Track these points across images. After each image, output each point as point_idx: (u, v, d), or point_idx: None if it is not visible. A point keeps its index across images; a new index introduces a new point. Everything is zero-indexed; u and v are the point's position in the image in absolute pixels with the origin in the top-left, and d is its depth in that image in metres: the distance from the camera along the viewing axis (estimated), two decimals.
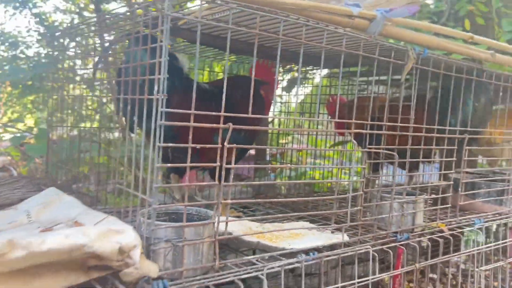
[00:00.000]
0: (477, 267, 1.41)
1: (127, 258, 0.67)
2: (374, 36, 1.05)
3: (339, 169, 1.20)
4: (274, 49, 1.33)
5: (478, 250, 1.40)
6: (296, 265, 0.96)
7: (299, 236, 1.11)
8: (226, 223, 0.87)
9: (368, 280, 1.09)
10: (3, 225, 0.89)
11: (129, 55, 1.01)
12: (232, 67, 1.73)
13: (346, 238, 1.09)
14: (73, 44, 1.28)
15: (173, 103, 0.85)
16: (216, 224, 0.85)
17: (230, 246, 1.03)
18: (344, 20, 1.00)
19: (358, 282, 1.06)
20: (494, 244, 1.47)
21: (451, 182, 1.36)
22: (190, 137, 0.80)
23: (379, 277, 1.11)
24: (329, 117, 1.76)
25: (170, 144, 0.79)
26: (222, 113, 0.85)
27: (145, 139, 1.22)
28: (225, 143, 0.84)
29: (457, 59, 1.30)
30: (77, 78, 1.35)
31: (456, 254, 1.34)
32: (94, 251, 0.63)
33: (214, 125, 0.84)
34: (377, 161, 1.18)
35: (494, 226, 1.56)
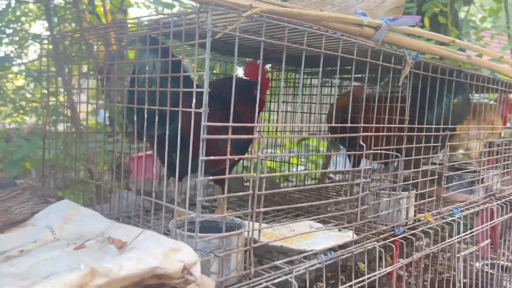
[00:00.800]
0: (457, 254, 1.53)
1: (187, 275, 0.68)
2: (379, 44, 1.11)
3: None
4: (277, 52, 1.36)
5: (458, 238, 1.52)
6: (318, 265, 1.01)
7: (311, 236, 1.16)
8: (259, 231, 0.89)
9: (376, 275, 1.16)
10: (28, 244, 0.85)
11: (143, 64, 0.99)
12: (221, 67, 1.73)
13: (354, 236, 1.15)
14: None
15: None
16: (251, 232, 0.87)
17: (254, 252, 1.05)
18: (355, 28, 1.05)
19: (369, 278, 1.13)
20: (469, 231, 1.60)
21: (436, 176, 1.46)
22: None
23: (386, 270, 1.18)
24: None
25: (212, 157, 0.79)
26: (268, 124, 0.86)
27: (148, 145, 1.20)
28: (259, 153, 0.85)
29: (438, 61, 1.38)
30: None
31: (445, 242, 1.45)
32: (164, 272, 0.63)
33: (250, 136, 0.86)
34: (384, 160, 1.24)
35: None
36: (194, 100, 0.79)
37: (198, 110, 0.77)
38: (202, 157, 0.78)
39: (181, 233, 0.84)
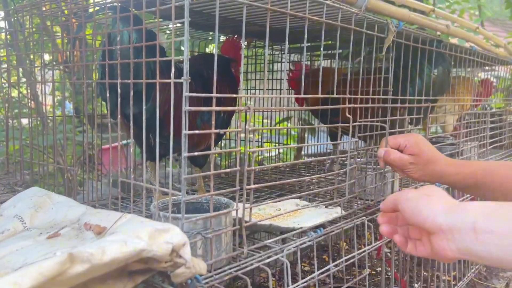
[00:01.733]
0: None
1: (176, 258, 0.62)
2: (362, 10, 1.06)
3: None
4: (254, 25, 1.30)
5: None
6: (308, 243, 0.97)
7: (298, 214, 1.11)
8: (250, 209, 0.83)
9: (365, 251, 1.13)
10: None
11: (114, 35, 0.91)
12: (193, 44, 1.65)
13: (343, 211, 1.11)
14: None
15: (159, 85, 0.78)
16: (242, 211, 0.82)
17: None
18: None
19: (359, 253, 1.10)
20: None
21: None
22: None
23: (375, 246, 1.16)
24: (290, 89, 1.76)
25: (196, 131, 0.73)
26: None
27: (123, 125, 1.13)
28: (247, 127, 0.80)
29: (416, 30, 1.35)
30: None
31: None
32: (152, 255, 0.57)
33: (236, 108, 0.80)
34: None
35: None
36: (173, 70, 0.73)
37: (178, 80, 0.71)
38: (185, 131, 0.71)
39: (165, 215, 0.78)
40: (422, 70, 1.43)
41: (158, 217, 0.80)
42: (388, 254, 1.98)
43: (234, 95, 1.30)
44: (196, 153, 0.73)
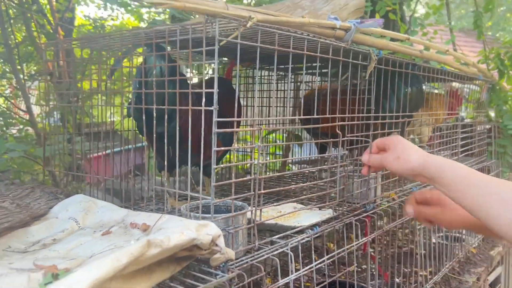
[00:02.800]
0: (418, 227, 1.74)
1: (213, 246, 0.81)
2: (349, 43, 1.27)
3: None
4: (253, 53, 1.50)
5: None
6: (306, 239, 1.16)
7: (296, 216, 1.31)
8: (261, 210, 1.03)
9: (354, 245, 1.33)
10: (58, 234, 0.95)
11: (151, 68, 1.10)
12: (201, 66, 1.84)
13: (334, 213, 1.32)
14: None
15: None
16: (254, 212, 1.01)
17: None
18: (329, 31, 1.20)
19: (347, 248, 1.30)
20: None
21: None
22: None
23: (363, 241, 1.36)
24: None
25: (223, 148, 0.92)
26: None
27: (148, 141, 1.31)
28: (258, 143, 0.99)
29: (394, 56, 1.57)
30: None
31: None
32: (200, 243, 0.76)
33: (250, 129, 0.99)
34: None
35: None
36: (203, 99, 0.92)
37: (209, 108, 0.90)
38: (214, 148, 0.90)
39: (195, 215, 0.96)
40: (399, 89, 1.65)
41: (189, 217, 0.99)
42: (372, 253, 2.18)
43: (248, 119, 1.49)
44: (221, 165, 0.92)
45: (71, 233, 0.96)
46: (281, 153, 2.88)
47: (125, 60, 1.25)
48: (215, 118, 0.90)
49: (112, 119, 1.49)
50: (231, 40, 0.91)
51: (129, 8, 5.21)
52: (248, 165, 2.94)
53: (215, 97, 0.90)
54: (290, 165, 3.08)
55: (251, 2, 1.86)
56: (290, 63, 1.07)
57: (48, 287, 0.62)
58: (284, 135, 2.56)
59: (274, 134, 2.69)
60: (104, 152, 1.50)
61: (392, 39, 1.58)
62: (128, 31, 1.07)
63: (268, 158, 2.31)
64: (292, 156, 3.10)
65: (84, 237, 0.91)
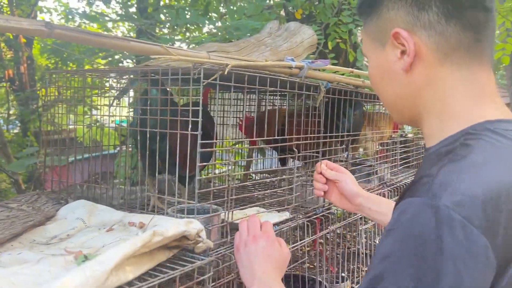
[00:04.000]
0: (360, 227, 2.07)
1: (198, 238, 1.08)
2: (302, 78, 1.58)
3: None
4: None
5: (359, 215, 2.06)
6: None
7: (260, 216, 1.59)
8: (232, 212, 1.31)
9: (305, 241, 1.63)
10: (70, 231, 1.19)
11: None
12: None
13: (290, 215, 1.61)
14: None
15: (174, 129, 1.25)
16: (226, 213, 1.29)
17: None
18: (287, 70, 1.51)
19: (300, 243, 1.60)
20: None
21: None
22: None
23: (313, 238, 1.66)
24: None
25: (205, 164, 1.19)
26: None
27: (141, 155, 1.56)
28: (232, 160, 1.27)
29: (342, 86, 1.90)
30: None
31: (350, 219, 1.97)
32: (188, 234, 1.03)
33: (229, 147, 1.27)
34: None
35: None
36: (190, 126, 1.19)
37: (194, 132, 1.18)
38: (198, 164, 1.18)
39: (181, 216, 1.23)
40: (345, 113, 1.98)
41: (177, 217, 1.25)
42: (326, 253, 2.50)
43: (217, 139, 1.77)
44: (204, 177, 1.20)
45: (80, 230, 1.20)
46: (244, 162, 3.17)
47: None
48: (199, 141, 1.17)
49: (74, 127, 1.62)
50: (211, 82, 1.19)
51: (99, 21, 5.37)
52: (211, 174, 3.21)
53: (200, 124, 1.17)
54: (253, 174, 3.37)
55: (220, 38, 2.14)
56: (257, 96, 1.36)
57: (84, 264, 0.87)
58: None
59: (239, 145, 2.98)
60: (69, 160, 1.62)
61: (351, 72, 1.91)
62: (130, 68, 1.33)
63: (237, 170, 2.58)
64: (255, 166, 3.40)
65: (92, 233, 1.16)
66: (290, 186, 1.60)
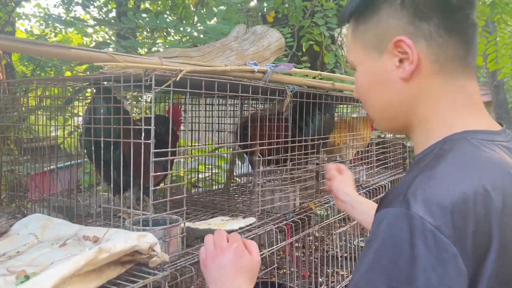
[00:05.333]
0: (334, 232, 2.04)
1: (151, 252, 1.04)
2: (266, 82, 1.55)
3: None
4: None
5: (334, 218, 2.03)
6: None
7: (225, 224, 1.56)
8: (184, 223, 1.27)
9: (274, 248, 1.60)
10: (21, 247, 1.14)
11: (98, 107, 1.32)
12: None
13: (256, 221, 1.58)
14: None
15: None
16: (184, 224, 1.25)
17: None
18: (249, 74, 1.47)
19: (268, 251, 1.56)
20: (342, 214, 2.13)
21: (314, 174, 1.95)
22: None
23: (282, 245, 1.63)
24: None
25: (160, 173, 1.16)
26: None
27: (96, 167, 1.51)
28: (188, 169, 1.24)
29: (311, 89, 1.87)
30: None
31: (324, 222, 1.94)
32: (140, 249, 0.99)
33: (185, 156, 1.24)
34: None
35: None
36: (143, 134, 1.15)
37: (147, 141, 1.14)
38: (152, 173, 1.14)
39: (137, 228, 1.19)
40: (315, 116, 1.95)
41: (132, 229, 1.21)
42: (302, 257, 2.47)
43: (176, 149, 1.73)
44: (158, 187, 1.16)
45: (32, 246, 1.15)
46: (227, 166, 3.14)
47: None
48: (152, 149, 1.14)
49: (55, 134, 1.60)
50: (164, 88, 1.15)
51: (76, 25, 5.31)
52: (195, 179, 3.18)
53: (152, 132, 1.13)
54: (236, 178, 3.33)
55: (186, 44, 2.11)
56: (217, 101, 1.33)
57: (22, 285, 0.83)
58: (230, 150, 2.82)
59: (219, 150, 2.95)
60: (47, 168, 1.59)
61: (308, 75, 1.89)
62: (80, 77, 1.29)
63: (198, 169, 2.55)
64: (237, 169, 3.37)
65: (44, 249, 1.12)
66: (256, 190, 1.56)
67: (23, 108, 1.62)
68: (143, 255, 1.03)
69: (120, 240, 0.97)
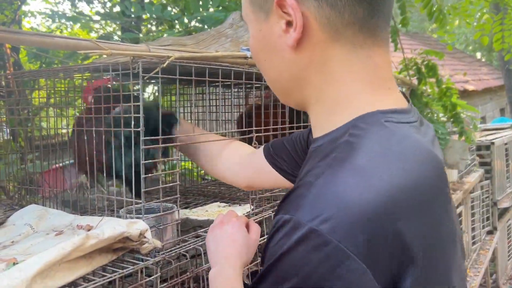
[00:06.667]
0: None
1: (143, 238, 1.04)
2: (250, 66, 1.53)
3: None
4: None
5: None
6: None
7: (222, 211, 1.56)
8: (178, 211, 1.27)
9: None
10: (15, 237, 1.16)
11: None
12: None
13: (253, 208, 1.58)
14: None
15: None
16: (178, 212, 1.25)
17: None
18: (242, 60, 1.46)
19: (266, 238, 1.56)
20: None
21: None
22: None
23: None
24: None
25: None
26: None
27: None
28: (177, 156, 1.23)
29: None
30: None
31: None
32: (129, 235, 0.99)
33: (176, 143, 1.23)
34: None
35: None
36: (133, 122, 1.15)
37: (137, 129, 1.14)
38: (142, 161, 1.14)
39: (131, 216, 1.19)
40: None
41: (125, 218, 1.21)
42: None
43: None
44: (150, 174, 1.16)
45: (26, 236, 1.16)
46: None
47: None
48: (142, 137, 1.14)
49: (66, 131, 1.62)
50: (153, 75, 1.15)
51: (82, 21, 5.32)
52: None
53: (141, 120, 1.13)
54: None
55: (182, 32, 2.10)
56: (208, 90, 1.32)
57: (5, 272, 0.83)
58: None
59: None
60: (57, 165, 1.63)
61: None
62: (71, 67, 1.29)
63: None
64: None
65: (38, 238, 1.13)
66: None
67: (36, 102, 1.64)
68: (134, 241, 1.04)
69: (109, 227, 0.97)
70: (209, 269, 1.30)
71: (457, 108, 3.56)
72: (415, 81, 3.37)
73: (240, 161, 1.29)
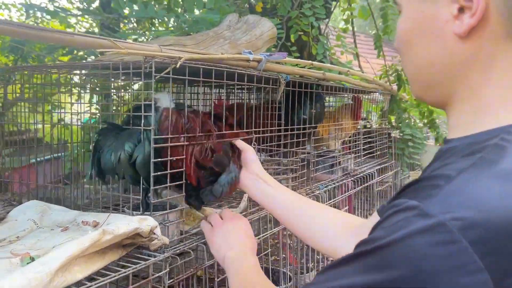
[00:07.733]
0: None
1: (152, 235, 1.06)
2: (261, 71, 1.57)
3: None
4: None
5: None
6: None
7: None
8: (183, 209, 1.30)
9: (267, 234, 1.63)
10: (20, 232, 1.15)
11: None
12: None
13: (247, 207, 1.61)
14: None
15: None
16: (184, 210, 1.27)
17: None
18: (245, 63, 1.49)
19: (262, 236, 1.60)
20: (332, 201, 2.17)
21: (305, 162, 1.99)
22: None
23: (274, 231, 1.66)
24: None
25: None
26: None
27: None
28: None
29: (301, 78, 1.90)
30: None
31: None
32: (141, 232, 1.01)
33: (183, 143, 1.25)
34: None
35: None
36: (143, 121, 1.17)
37: (147, 128, 1.15)
38: (152, 160, 1.15)
39: (137, 213, 1.21)
40: (306, 106, 1.98)
41: (132, 215, 1.22)
42: (290, 244, 2.51)
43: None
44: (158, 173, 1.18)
45: (31, 231, 1.16)
46: None
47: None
48: (152, 136, 1.15)
49: (36, 127, 1.57)
50: (164, 75, 1.17)
51: (60, 15, 5.21)
52: None
53: (153, 118, 1.15)
54: None
55: (180, 33, 2.11)
56: (213, 90, 1.35)
57: (28, 265, 0.84)
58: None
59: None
60: (32, 161, 1.57)
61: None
62: (81, 63, 1.29)
63: None
64: None
65: (44, 234, 1.13)
66: None
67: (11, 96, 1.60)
68: (144, 238, 1.05)
69: (123, 223, 0.98)
70: (211, 266, 1.33)
71: (433, 114, 3.70)
72: (395, 87, 3.46)
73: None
